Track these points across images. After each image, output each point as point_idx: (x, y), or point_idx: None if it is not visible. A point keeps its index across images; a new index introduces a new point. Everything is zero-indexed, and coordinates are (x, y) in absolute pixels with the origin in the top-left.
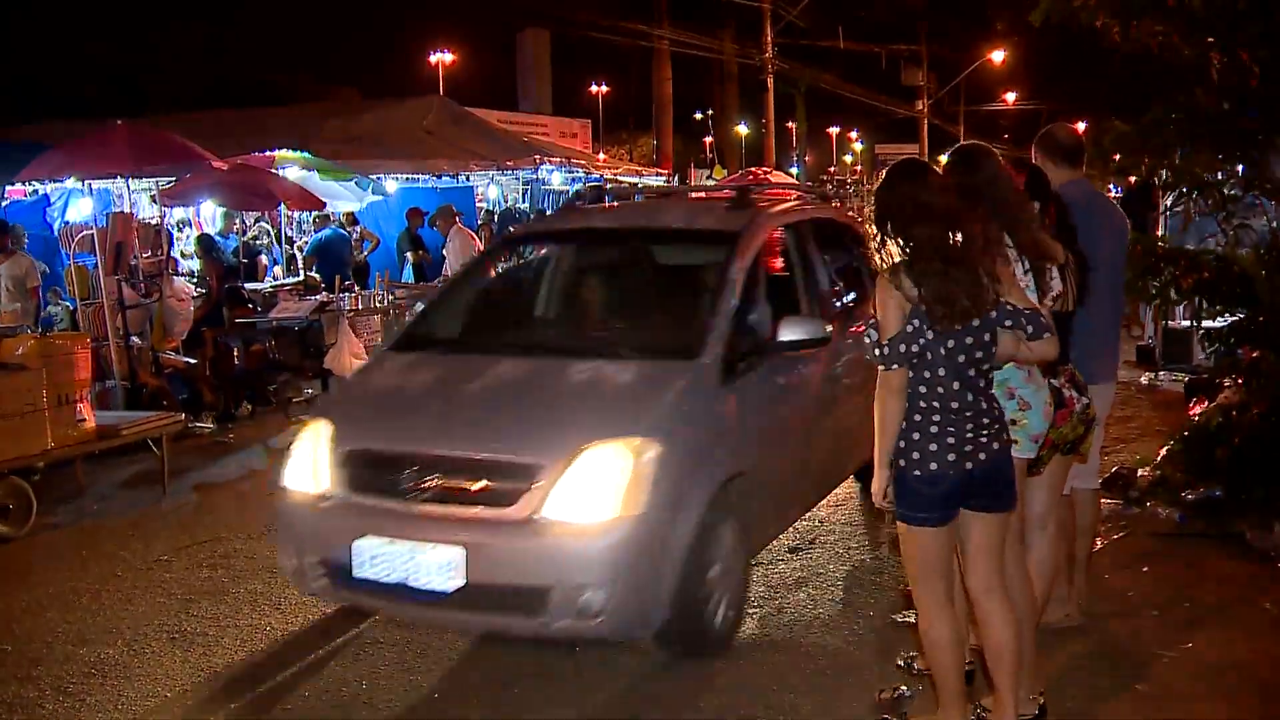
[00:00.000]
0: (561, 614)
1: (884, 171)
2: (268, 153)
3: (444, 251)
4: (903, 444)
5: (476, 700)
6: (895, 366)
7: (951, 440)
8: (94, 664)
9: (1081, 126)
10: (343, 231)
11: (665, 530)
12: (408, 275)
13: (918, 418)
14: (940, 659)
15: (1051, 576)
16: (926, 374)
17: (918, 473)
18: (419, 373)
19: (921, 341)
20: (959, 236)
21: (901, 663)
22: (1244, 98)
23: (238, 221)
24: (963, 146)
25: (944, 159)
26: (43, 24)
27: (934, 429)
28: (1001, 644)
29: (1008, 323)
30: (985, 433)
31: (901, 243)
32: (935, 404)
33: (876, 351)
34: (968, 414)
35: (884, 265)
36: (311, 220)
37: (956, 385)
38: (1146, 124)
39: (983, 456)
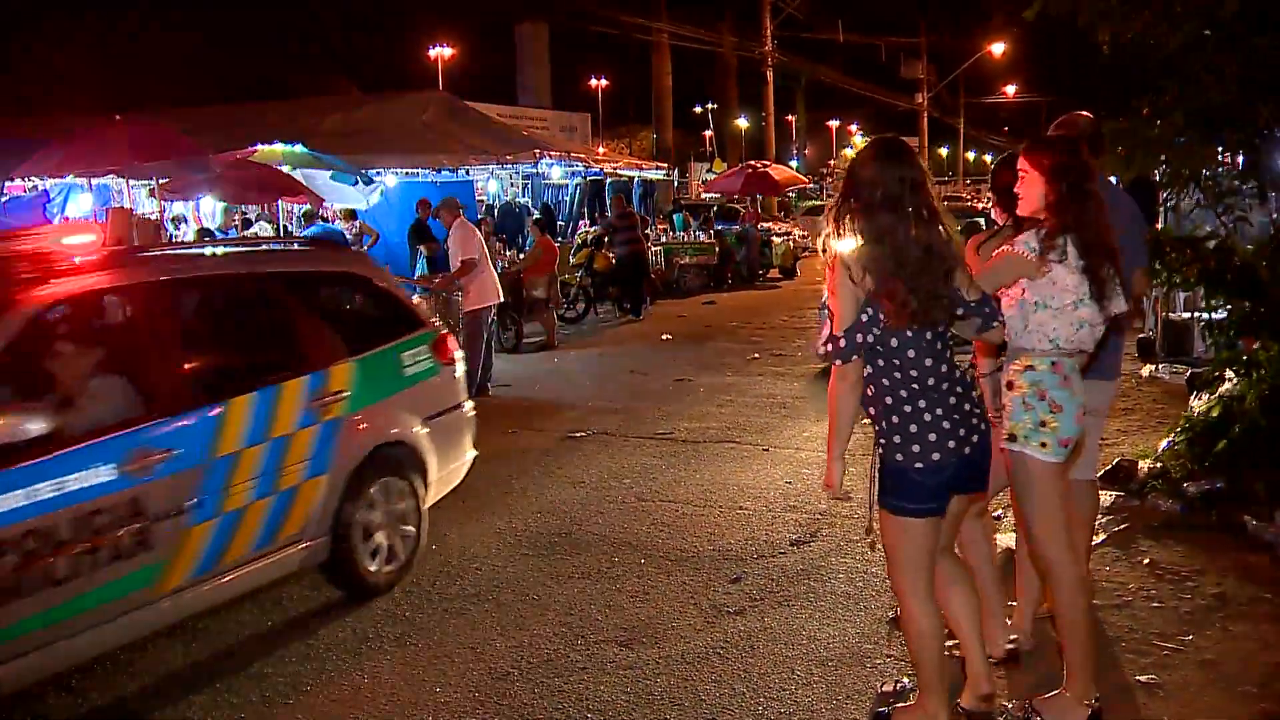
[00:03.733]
0: None
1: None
2: (251, 148)
3: (446, 243)
4: (898, 439)
5: (476, 695)
6: (854, 358)
7: (948, 425)
8: (92, 657)
9: None
10: (333, 227)
11: None
12: (421, 267)
13: (907, 409)
14: (924, 649)
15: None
16: (897, 360)
17: (919, 465)
18: None
19: (876, 331)
20: (924, 232)
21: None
22: (1248, 86)
23: (238, 215)
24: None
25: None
26: (45, 15)
27: (928, 416)
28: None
29: (960, 311)
30: (976, 411)
31: (861, 229)
32: (916, 388)
33: (828, 346)
34: (954, 393)
35: (835, 247)
36: (301, 215)
37: (929, 362)
38: (1148, 116)
39: (976, 439)
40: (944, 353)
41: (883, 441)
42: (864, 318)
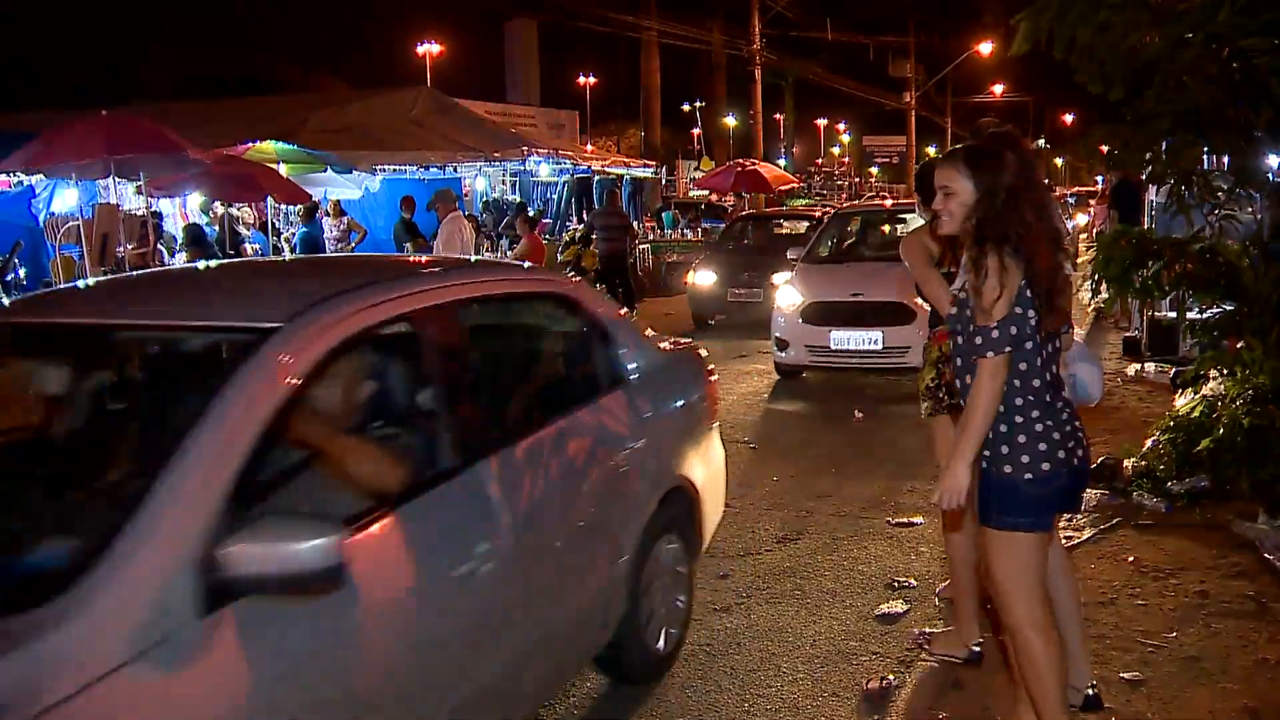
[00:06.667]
0: None
1: (980, 147)
2: (243, 145)
3: (434, 239)
4: (1005, 449)
5: None
6: (1006, 350)
7: (1058, 436)
8: None
9: (1069, 119)
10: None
11: None
12: None
13: (1019, 419)
14: (1052, 677)
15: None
16: (1024, 365)
17: (1029, 475)
18: None
19: (1029, 327)
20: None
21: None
22: (1234, 88)
23: (219, 207)
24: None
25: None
26: (29, 10)
27: (1039, 427)
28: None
29: None
30: (1078, 424)
31: (1009, 235)
32: (1032, 398)
33: (980, 338)
34: (1059, 404)
35: (994, 237)
36: (298, 212)
37: (1049, 374)
38: (1136, 117)
39: (1081, 452)
40: (1055, 364)
41: (988, 453)
42: (1018, 310)
